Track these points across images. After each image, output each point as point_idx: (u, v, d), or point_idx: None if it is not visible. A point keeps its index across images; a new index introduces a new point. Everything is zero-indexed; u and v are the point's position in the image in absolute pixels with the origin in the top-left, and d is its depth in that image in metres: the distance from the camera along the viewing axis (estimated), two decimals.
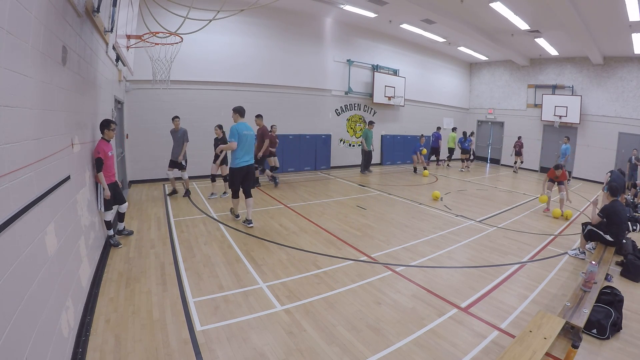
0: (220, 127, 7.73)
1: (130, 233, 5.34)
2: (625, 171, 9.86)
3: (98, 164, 4.32)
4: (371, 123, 12.34)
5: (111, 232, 4.83)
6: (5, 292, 1.66)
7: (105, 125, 4.53)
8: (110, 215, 4.69)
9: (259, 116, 8.64)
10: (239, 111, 5.80)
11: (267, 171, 9.25)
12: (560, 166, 7.60)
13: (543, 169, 15.03)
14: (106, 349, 2.71)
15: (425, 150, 12.95)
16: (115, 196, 4.75)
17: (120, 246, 4.81)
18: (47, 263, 2.28)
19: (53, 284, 2.37)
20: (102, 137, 4.51)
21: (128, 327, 3.02)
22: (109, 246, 4.72)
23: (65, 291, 2.65)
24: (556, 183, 7.79)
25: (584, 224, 5.23)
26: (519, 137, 14.77)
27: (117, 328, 3.00)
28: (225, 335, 2.98)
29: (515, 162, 14.64)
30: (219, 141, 7.70)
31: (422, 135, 13.54)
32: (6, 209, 1.76)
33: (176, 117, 7.67)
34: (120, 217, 5.20)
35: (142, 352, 2.71)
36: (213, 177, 8.02)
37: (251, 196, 5.97)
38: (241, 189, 6.00)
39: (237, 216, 6.25)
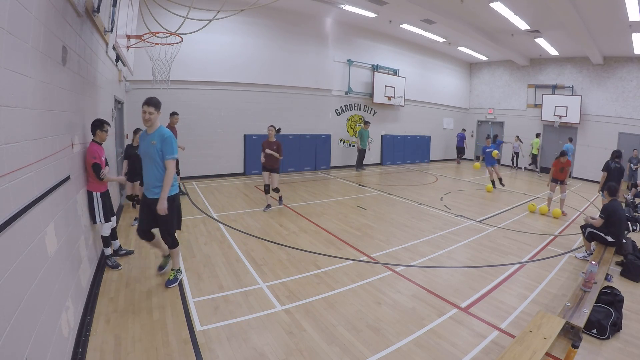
0: (138, 132, 5.92)
1: (130, 252, 4.60)
2: (625, 169, 9.85)
3: (96, 169, 3.79)
4: (366, 123, 12.91)
5: (109, 250, 4.22)
6: (5, 292, 1.66)
7: (98, 125, 3.90)
8: (108, 229, 4.15)
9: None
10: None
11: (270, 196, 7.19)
12: (565, 153, 7.51)
13: (543, 169, 15.02)
14: (106, 349, 2.71)
15: (496, 152, 10.23)
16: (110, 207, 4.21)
17: (120, 268, 4.16)
18: (47, 263, 2.28)
19: (53, 284, 2.37)
20: (93, 140, 3.90)
21: (128, 327, 3.02)
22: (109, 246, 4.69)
23: (65, 291, 2.65)
24: (559, 182, 7.74)
25: (583, 227, 5.21)
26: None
27: (117, 328, 3.00)
28: (225, 335, 2.98)
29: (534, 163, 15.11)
30: (134, 149, 5.76)
31: (488, 135, 12.18)
32: (6, 209, 1.76)
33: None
34: (112, 234, 4.37)
35: (142, 352, 2.71)
36: (135, 200, 6.12)
37: (171, 246, 3.90)
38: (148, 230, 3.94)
39: (164, 263, 4.21)
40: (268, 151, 6.66)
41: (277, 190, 7.01)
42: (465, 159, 17.50)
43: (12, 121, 1.90)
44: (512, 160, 15.63)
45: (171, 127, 7.31)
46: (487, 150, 10.21)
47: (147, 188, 3.67)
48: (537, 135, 14.57)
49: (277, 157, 6.73)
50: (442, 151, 17.67)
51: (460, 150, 16.59)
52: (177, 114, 7.55)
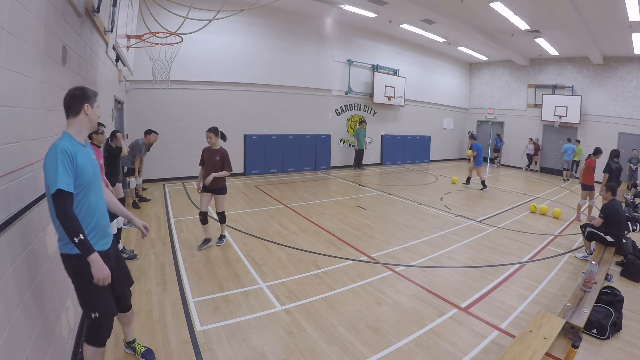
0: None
1: (134, 257, 4.45)
2: (625, 170, 9.85)
3: None
4: (362, 122, 13.05)
5: (120, 246, 4.39)
6: (5, 292, 1.66)
7: None
8: (114, 227, 3.99)
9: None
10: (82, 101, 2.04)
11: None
12: (600, 150, 7.10)
13: (543, 169, 15.04)
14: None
15: (470, 152, 10.29)
16: None
17: (137, 258, 4.43)
18: (47, 263, 2.27)
19: (53, 284, 2.36)
20: (91, 142, 3.83)
21: None
22: (119, 242, 4.65)
23: (65, 291, 2.65)
24: (590, 188, 7.06)
25: (583, 226, 5.21)
26: (537, 139, 15.19)
27: (117, 328, 2.98)
28: (225, 335, 2.98)
29: (535, 162, 15.22)
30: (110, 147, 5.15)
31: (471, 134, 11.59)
32: (6, 208, 1.76)
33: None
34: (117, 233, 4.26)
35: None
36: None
37: (130, 306, 2.57)
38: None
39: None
40: (213, 175, 4.64)
41: (223, 217, 5.00)
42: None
43: (12, 121, 1.90)
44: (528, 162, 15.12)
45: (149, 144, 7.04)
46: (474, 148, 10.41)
47: (106, 232, 2.15)
48: (578, 141, 13.40)
49: (224, 175, 4.76)
50: (445, 151, 17.72)
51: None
52: (151, 133, 6.89)
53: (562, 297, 3.90)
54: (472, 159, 10.24)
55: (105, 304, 2.07)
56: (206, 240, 4.98)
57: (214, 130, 4.75)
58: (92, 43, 4.30)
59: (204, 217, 4.89)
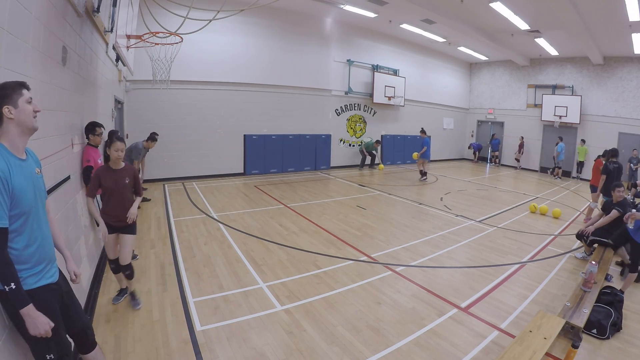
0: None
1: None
2: (625, 170, 9.82)
3: (87, 173, 3.64)
4: (377, 142, 13.43)
5: None
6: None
7: (90, 130, 3.79)
8: None
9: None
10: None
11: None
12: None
13: (543, 169, 15.04)
14: (106, 349, 2.71)
15: (415, 154, 11.30)
16: None
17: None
18: None
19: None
20: (88, 143, 3.85)
21: (128, 327, 3.02)
22: None
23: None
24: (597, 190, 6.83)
25: (585, 236, 4.96)
26: (522, 137, 15.48)
27: (117, 328, 3.00)
28: (225, 335, 2.98)
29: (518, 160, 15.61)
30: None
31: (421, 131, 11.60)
32: None
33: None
34: None
35: (142, 352, 2.71)
36: None
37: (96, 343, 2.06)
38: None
39: None
40: (132, 213, 3.26)
41: (129, 272, 3.34)
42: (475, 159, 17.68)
43: None
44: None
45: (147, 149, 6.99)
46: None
47: (52, 261, 1.80)
48: (583, 141, 13.32)
49: (134, 209, 3.28)
50: (445, 151, 17.71)
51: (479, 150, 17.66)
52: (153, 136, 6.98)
53: (562, 297, 3.90)
54: (419, 153, 11.15)
55: (61, 342, 1.75)
56: (122, 291, 3.51)
57: (115, 132, 3.22)
58: (92, 43, 4.31)
59: (117, 266, 3.38)
